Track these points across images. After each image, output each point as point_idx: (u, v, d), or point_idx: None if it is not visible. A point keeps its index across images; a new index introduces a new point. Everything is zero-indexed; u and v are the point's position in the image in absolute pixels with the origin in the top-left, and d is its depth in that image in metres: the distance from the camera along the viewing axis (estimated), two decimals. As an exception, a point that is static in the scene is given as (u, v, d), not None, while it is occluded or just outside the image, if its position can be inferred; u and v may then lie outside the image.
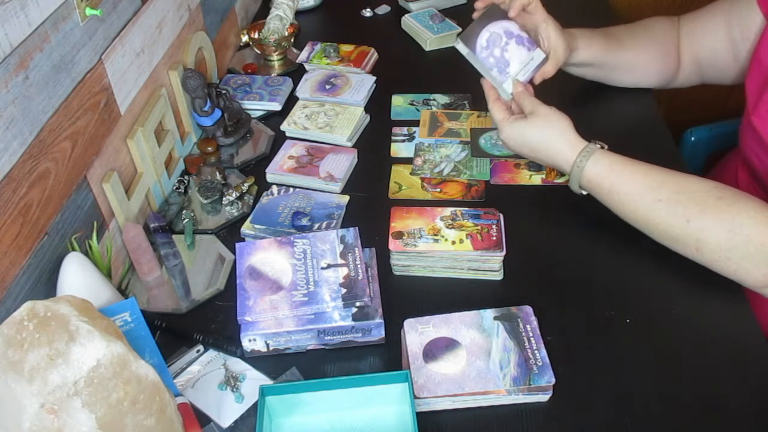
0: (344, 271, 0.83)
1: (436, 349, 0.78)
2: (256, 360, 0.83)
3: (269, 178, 1.09)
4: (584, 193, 0.93)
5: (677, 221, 0.83)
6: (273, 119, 1.22)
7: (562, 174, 1.05)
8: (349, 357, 0.83)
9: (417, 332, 0.79)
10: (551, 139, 0.92)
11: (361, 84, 1.25)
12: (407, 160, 1.11)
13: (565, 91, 1.20)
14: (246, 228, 0.99)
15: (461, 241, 0.89)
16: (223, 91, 1.15)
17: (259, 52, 1.36)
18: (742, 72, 1.04)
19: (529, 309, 0.81)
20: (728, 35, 1.04)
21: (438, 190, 1.05)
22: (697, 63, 1.10)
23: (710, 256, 0.82)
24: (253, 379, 0.81)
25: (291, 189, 1.05)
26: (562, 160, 0.92)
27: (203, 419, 0.76)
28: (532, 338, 0.78)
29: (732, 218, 0.80)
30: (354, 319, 0.81)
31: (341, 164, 1.08)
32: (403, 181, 1.07)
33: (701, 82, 1.14)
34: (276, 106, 1.24)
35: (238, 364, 0.82)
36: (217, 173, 1.06)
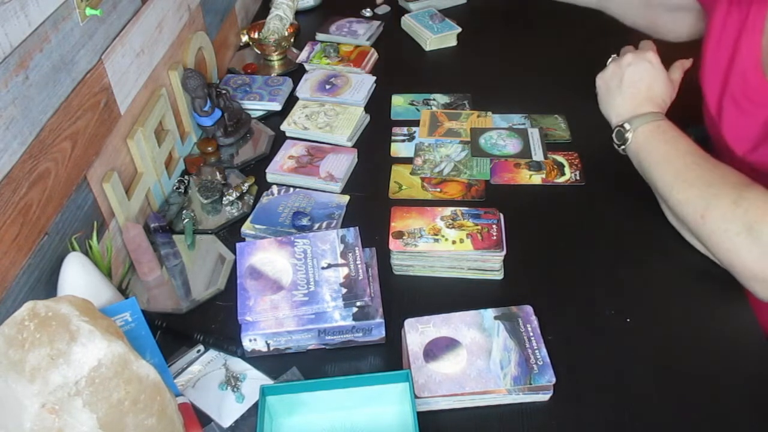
0: (344, 270, 0.83)
1: (436, 349, 0.78)
2: (257, 360, 0.83)
3: (269, 178, 1.09)
4: (621, 147, 0.95)
5: (700, 184, 0.85)
6: (273, 119, 1.22)
7: (562, 173, 1.05)
8: (350, 357, 0.83)
9: (417, 332, 0.79)
10: (655, 89, 0.97)
11: (361, 84, 1.25)
12: (407, 160, 1.11)
13: (566, 92, 1.20)
14: (246, 228, 0.99)
15: (461, 240, 0.89)
16: (223, 91, 1.15)
17: (259, 52, 1.36)
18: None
19: (529, 309, 0.81)
20: None
21: (438, 189, 1.05)
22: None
23: (711, 226, 0.83)
24: (254, 379, 0.81)
25: (291, 189, 1.05)
26: (638, 106, 0.95)
27: (204, 419, 0.76)
28: (532, 338, 0.78)
29: (740, 192, 0.81)
30: (354, 319, 0.81)
31: (341, 164, 1.08)
32: (403, 181, 1.07)
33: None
34: (276, 106, 1.24)
35: (238, 364, 0.82)
36: (217, 173, 1.06)
